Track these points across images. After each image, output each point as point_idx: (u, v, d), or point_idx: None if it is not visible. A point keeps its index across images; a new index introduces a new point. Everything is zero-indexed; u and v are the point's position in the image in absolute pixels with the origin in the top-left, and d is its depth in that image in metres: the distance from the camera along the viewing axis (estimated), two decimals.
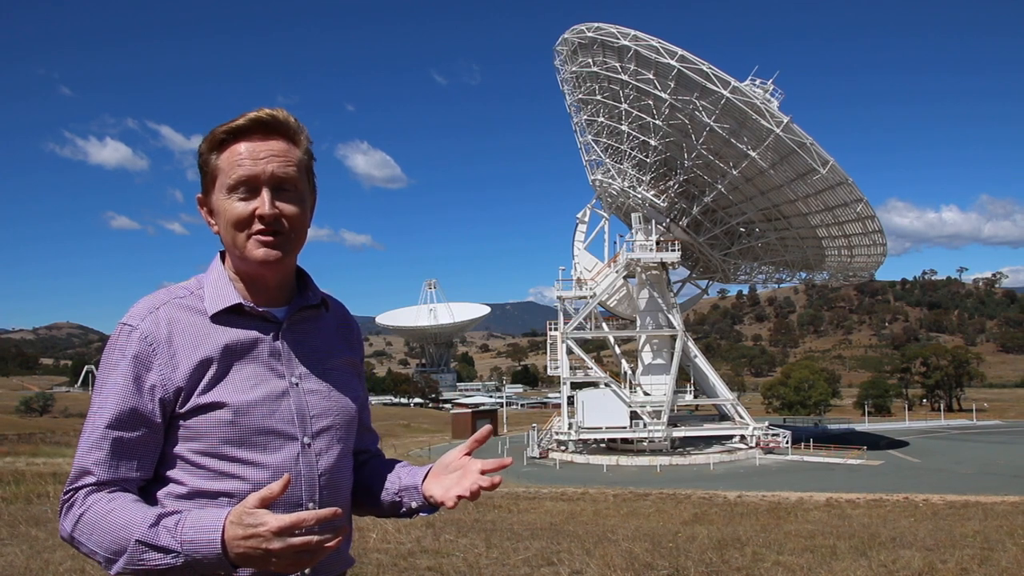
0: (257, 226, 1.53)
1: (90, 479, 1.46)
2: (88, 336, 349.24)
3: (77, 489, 1.46)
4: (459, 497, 1.60)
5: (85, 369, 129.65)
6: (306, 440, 1.58)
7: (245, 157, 1.53)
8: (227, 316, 1.57)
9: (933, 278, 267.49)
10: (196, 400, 1.50)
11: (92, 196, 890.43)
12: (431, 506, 1.69)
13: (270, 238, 1.54)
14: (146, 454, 1.51)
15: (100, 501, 1.43)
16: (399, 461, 1.84)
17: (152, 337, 1.51)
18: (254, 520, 1.32)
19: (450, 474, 1.68)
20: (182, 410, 1.51)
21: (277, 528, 1.31)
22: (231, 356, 1.55)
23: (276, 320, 1.62)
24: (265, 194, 1.53)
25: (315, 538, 1.34)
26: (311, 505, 1.57)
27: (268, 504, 1.35)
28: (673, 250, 46.53)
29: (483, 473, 1.63)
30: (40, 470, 14.79)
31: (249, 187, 1.53)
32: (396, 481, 1.76)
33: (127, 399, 1.48)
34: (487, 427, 1.68)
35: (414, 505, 1.71)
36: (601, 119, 47.15)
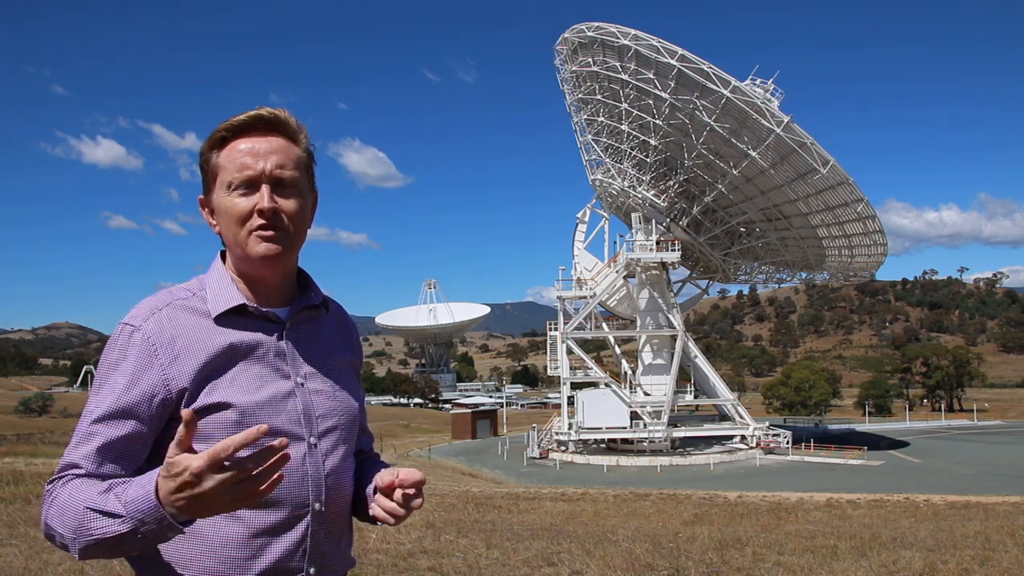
0: (257, 221, 1.53)
1: (73, 471, 1.42)
2: (87, 336, 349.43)
3: (59, 479, 1.42)
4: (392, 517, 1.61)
5: (84, 369, 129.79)
6: (312, 440, 1.57)
7: (245, 153, 1.54)
8: (231, 317, 1.56)
9: (934, 278, 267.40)
10: (201, 401, 1.49)
11: (88, 196, 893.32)
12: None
13: (270, 233, 1.54)
14: (135, 454, 1.48)
15: (72, 484, 1.39)
16: (381, 464, 1.83)
17: (155, 338, 1.50)
18: (177, 468, 1.23)
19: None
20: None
21: (199, 468, 1.22)
22: (236, 357, 1.54)
23: (279, 320, 1.62)
24: (265, 189, 1.53)
25: (249, 466, 1.24)
26: (317, 506, 1.56)
27: (185, 447, 1.25)
28: (673, 250, 46.53)
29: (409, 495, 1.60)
30: (39, 470, 14.76)
31: (249, 183, 1.53)
32: (366, 485, 1.73)
33: (124, 398, 1.46)
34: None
35: (371, 513, 1.70)
36: (601, 119, 47.15)
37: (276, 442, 1.27)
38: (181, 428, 1.26)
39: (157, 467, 1.47)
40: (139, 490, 1.28)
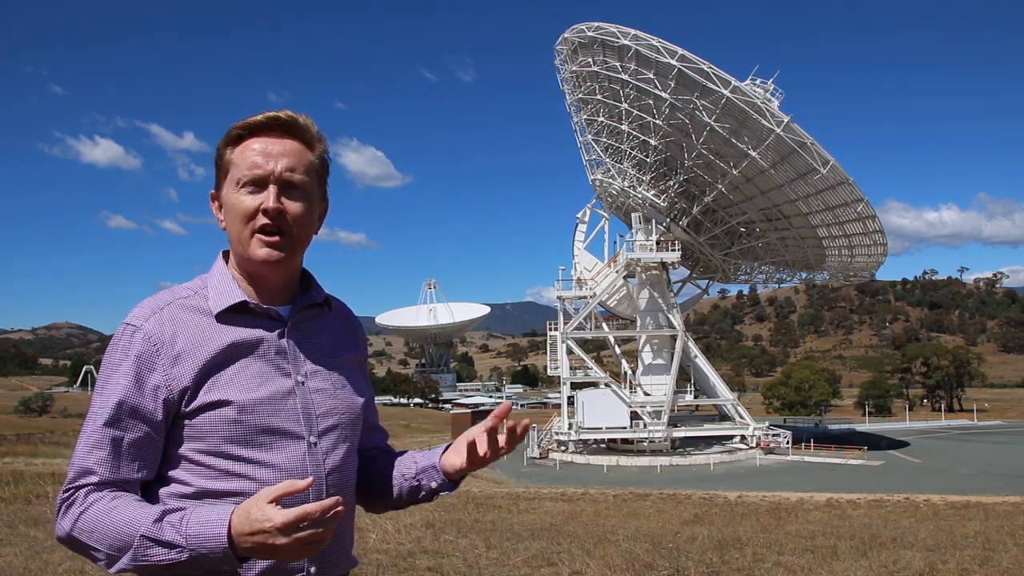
0: (261, 220, 1.54)
1: (92, 478, 1.44)
2: (87, 336, 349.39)
3: (78, 488, 1.44)
4: (487, 452, 1.63)
5: (84, 369, 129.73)
6: (312, 439, 1.57)
7: (257, 153, 1.55)
8: (232, 315, 1.57)
9: (934, 278, 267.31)
10: (201, 399, 1.50)
11: (87, 196, 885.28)
12: (452, 482, 1.72)
13: (274, 238, 1.55)
14: (148, 455, 1.50)
15: (102, 500, 1.42)
16: (412, 451, 1.86)
17: (156, 338, 1.50)
18: (261, 515, 1.31)
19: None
20: (187, 409, 1.50)
21: (282, 524, 1.30)
22: (237, 355, 1.54)
23: (281, 318, 1.62)
24: (271, 189, 1.54)
25: (320, 529, 1.33)
26: None
27: (279, 501, 1.33)
28: (673, 250, 46.55)
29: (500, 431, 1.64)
30: (39, 470, 14.78)
31: (258, 182, 1.55)
32: (413, 466, 1.76)
33: (129, 399, 1.47)
34: (507, 403, 1.71)
35: (434, 485, 1.73)
36: (601, 118, 47.17)
37: (332, 500, 1.35)
38: (295, 484, 1.34)
39: (171, 471, 1.53)
40: (205, 527, 1.34)
